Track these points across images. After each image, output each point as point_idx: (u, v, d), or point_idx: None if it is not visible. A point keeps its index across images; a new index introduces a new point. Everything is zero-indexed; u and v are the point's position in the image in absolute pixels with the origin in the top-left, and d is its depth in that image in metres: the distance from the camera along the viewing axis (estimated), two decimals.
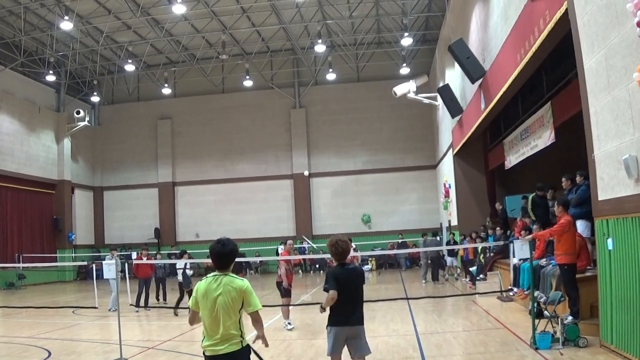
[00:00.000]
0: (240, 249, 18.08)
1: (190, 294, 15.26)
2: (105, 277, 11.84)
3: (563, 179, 11.29)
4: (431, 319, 12.28)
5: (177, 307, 14.70)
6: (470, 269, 18.15)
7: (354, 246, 17.50)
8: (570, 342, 8.16)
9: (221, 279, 4.67)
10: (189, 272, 15.40)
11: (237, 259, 4.95)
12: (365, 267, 28.52)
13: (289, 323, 11.59)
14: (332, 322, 5.82)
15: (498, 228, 17.67)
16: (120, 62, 30.85)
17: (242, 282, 4.68)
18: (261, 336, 4.80)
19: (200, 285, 4.72)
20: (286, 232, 32.25)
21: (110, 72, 33.38)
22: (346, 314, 5.78)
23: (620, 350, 7.25)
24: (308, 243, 29.05)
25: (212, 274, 4.76)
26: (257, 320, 4.74)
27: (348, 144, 33.49)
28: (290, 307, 12.08)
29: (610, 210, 7.54)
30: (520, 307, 12.56)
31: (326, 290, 5.81)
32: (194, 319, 4.80)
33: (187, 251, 16.67)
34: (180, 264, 15.30)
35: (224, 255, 4.75)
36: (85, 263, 26.03)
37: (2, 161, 27.31)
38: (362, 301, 5.99)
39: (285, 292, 11.76)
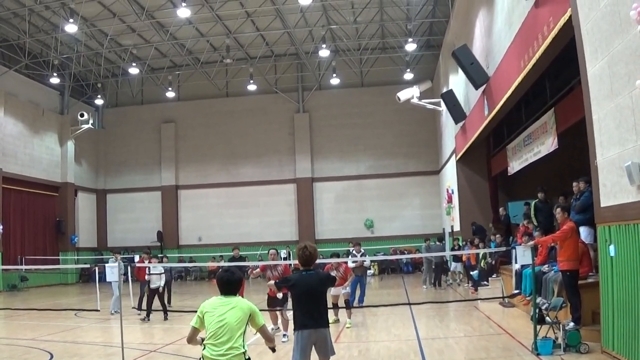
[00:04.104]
0: (243, 253, 18.10)
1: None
2: (107, 279, 11.85)
3: (574, 183, 11.20)
4: (433, 324, 12.27)
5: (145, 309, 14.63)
6: (472, 273, 18.12)
7: (362, 250, 17.13)
8: (571, 348, 8.14)
9: (229, 299, 4.88)
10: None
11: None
12: (368, 272, 28.28)
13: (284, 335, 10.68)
14: (298, 326, 5.82)
15: (499, 235, 17.62)
16: (125, 65, 30.96)
17: (249, 303, 4.92)
18: (271, 347, 5.26)
19: (207, 303, 4.91)
20: (289, 237, 32.25)
21: (114, 75, 33.44)
22: (310, 318, 5.78)
23: (621, 356, 7.24)
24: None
25: (218, 296, 4.96)
26: (268, 339, 5.11)
27: (351, 148, 33.53)
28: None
29: (612, 216, 7.54)
30: (522, 313, 12.54)
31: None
32: (193, 338, 4.91)
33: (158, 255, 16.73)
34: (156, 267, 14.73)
35: (233, 282, 4.99)
36: (87, 266, 26.03)
37: (5, 163, 27.30)
38: (324, 306, 5.98)
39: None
